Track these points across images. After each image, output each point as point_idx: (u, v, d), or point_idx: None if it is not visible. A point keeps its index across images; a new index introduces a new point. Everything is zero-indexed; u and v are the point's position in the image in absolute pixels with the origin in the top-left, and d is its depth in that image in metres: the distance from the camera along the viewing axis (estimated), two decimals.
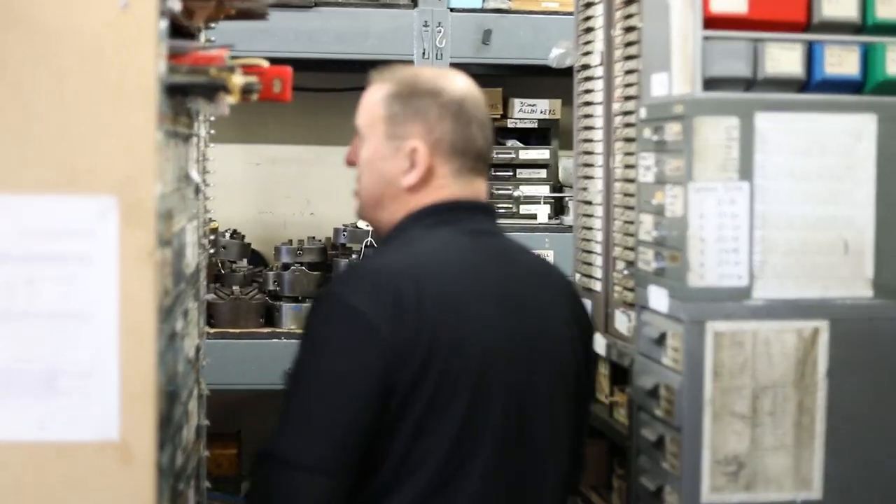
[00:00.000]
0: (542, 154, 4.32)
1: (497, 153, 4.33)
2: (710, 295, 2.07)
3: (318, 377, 1.94)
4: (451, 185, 2.11)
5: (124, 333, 1.49)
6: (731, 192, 2.06)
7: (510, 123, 4.37)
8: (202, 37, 2.47)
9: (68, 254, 1.48)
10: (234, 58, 2.05)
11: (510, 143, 4.42)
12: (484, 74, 4.52)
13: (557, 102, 4.36)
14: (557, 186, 4.36)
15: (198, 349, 2.53)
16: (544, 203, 4.25)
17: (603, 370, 2.71)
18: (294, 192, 4.81)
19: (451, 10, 4.06)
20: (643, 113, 2.29)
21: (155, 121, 1.52)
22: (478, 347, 1.96)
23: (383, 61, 4.19)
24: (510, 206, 4.23)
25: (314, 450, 1.89)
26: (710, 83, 2.07)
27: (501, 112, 4.39)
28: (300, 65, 4.41)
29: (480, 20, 4.07)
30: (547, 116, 4.37)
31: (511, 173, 4.31)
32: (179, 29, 2.09)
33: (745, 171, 2.06)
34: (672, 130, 2.12)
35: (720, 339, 2.08)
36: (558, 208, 4.30)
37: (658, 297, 2.20)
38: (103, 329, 1.48)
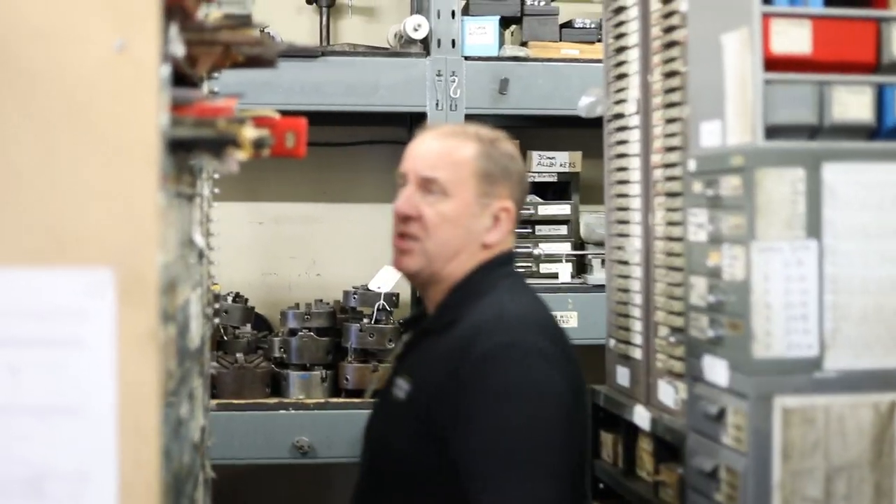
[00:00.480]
0: (562, 209, 4.13)
1: None
2: (777, 367, 1.88)
3: (533, 423, 2.03)
4: (510, 238, 2.29)
5: (123, 429, 1.30)
6: (798, 253, 1.87)
7: (528, 177, 4.17)
8: (204, 87, 2.29)
9: (57, 337, 1.29)
10: (242, 111, 1.88)
11: (529, 198, 4.24)
12: (500, 126, 4.36)
13: (578, 155, 4.19)
14: (579, 243, 4.17)
15: (203, 430, 2.33)
16: (566, 261, 4.06)
17: (645, 445, 2.50)
18: (299, 253, 4.62)
19: (466, 58, 3.90)
20: (692, 165, 2.11)
21: (157, 180, 1.34)
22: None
23: (394, 114, 4.08)
24: (530, 264, 4.04)
25: (550, 494, 2.00)
26: (771, 131, 1.90)
27: None
28: (307, 118, 4.28)
29: (497, 69, 3.90)
30: (567, 169, 4.19)
31: (530, 230, 4.13)
32: (181, 78, 1.92)
33: (813, 228, 1.88)
34: (729, 184, 1.94)
35: (789, 416, 1.89)
36: (580, 266, 4.11)
37: (715, 369, 2.01)
38: (99, 424, 1.29)
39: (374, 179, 4.59)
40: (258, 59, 2.10)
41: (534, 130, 4.35)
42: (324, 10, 4.41)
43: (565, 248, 4.10)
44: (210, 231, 2.52)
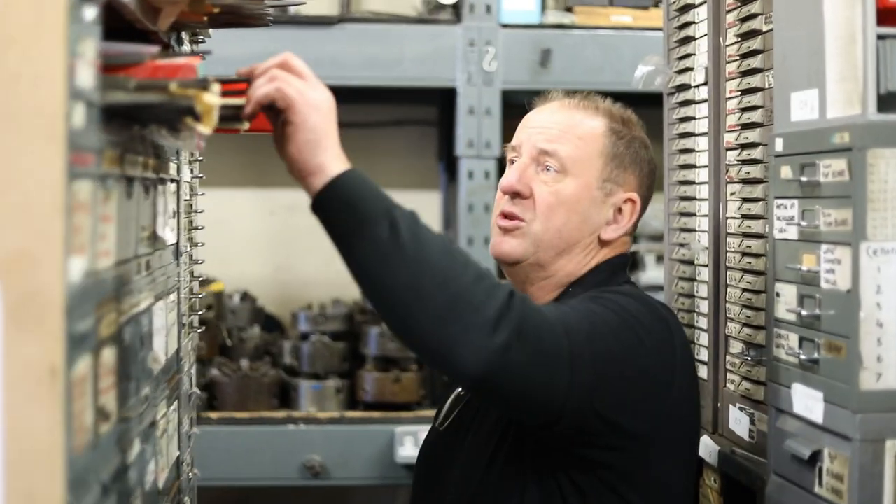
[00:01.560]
0: None
1: None
2: (891, 402, 1.55)
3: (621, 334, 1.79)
4: (629, 240, 2.05)
5: (10, 501, 0.98)
6: None
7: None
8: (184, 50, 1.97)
9: None
10: (228, 81, 1.57)
11: None
12: None
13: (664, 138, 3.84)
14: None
15: (180, 463, 2.01)
16: None
17: (711, 482, 2.17)
18: (316, 246, 4.29)
19: (503, 26, 3.57)
20: (779, 145, 1.77)
21: (63, 161, 1.01)
22: None
23: (420, 90, 3.76)
24: None
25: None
26: (887, 101, 1.55)
27: None
28: None
29: (538, 38, 3.58)
30: None
31: None
32: (146, 37, 1.60)
33: None
34: (830, 168, 1.59)
35: None
36: (632, 263, 3.76)
37: (807, 401, 1.67)
38: None
39: (400, 164, 4.28)
40: (240, 13, 1.78)
41: None
42: None
43: None
44: (194, 224, 2.20)
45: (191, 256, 2.20)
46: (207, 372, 3.64)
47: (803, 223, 1.67)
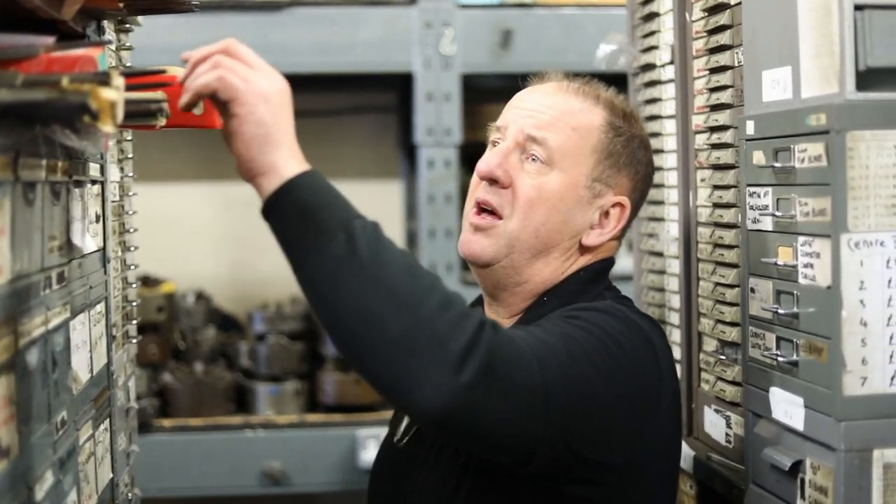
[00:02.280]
0: None
1: None
2: (877, 408, 1.44)
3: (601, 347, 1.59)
4: (615, 245, 1.83)
5: None
6: None
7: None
8: (107, 41, 1.83)
9: None
10: (137, 73, 1.43)
11: None
12: (503, 88, 3.90)
13: None
14: None
15: (114, 485, 1.88)
16: None
17: (687, 488, 2.06)
18: (274, 243, 4.15)
19: (461, 6, 3.44)
20: (750, 128, 1.65)
21: None
22: None
23: (374, 75, 3.62)
24: None
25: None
26: (867, 78, 1.43)
27: None
28: None
29: (497, 18, 3.45)
30: None
31: None
32: (55, 28, 1.46)
33: None
34: (806, 153, 1.48)
35: (893, 476, 1.43)
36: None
37: (786, 406, 1.55)
38: None
39: (359, 153, 4.15)
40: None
41: None
42: None
43: None
44: (126, 226, 2.06)
45: (124, 261, 2.06)
46: (160, 377, 3.50)
47: (778, 213, 1.56)
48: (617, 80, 2.47)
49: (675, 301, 2.11)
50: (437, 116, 3.42)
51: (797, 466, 1.53)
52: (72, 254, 1.55)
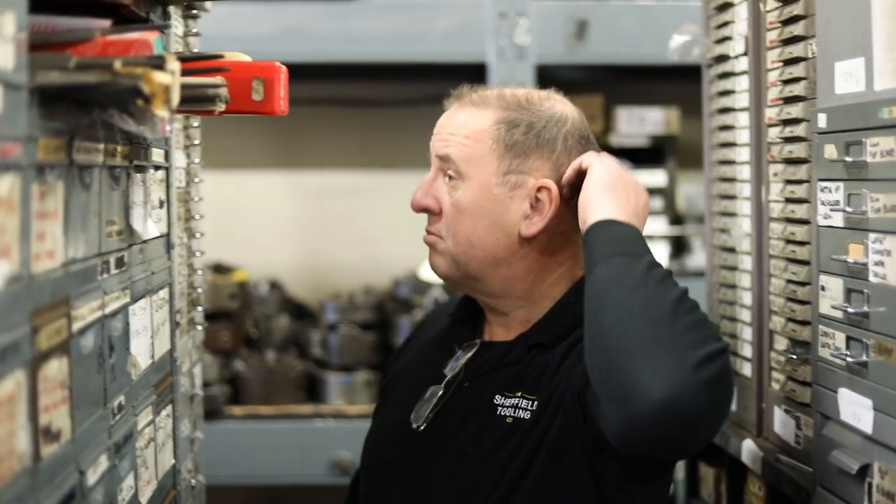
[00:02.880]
0: (655, 178, 3.64)
1: None
2: None
3: None
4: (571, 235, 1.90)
5: None
6: None
7: (614, 140, 3.69)
8: (173, 28, 1.84)
9: None
10: (194, 58, 1.43)
11: None
12: (578, 80, 3.86)
13: (674, 112, 3.68)
14: (676, 219, 3.66)
15: (176, 473, 1.89)
16: (660, 240, 3.56)
17: (755, 489, 2.02)
18: (348, 232, 4.17)
19: None
20: (822, 121, 1.60)
21: None
22: None
23: (449, 66, 3.60)
24: None
25: None
26: None
27: (603, 125, 3.71)
28: (347, 72, 3.84)
29: (572, 9, 3.41)
30: (661, 130, 3.69)
31: None
32: (117, 11, 1.47)
33: None
34: (878, 147, 1.43)
35: None
36: (679, 246, 3.60)
37: (855, 408, 1.51)
38: None
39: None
40: None
41: (620, 83, 3.88)
42: None
43: (660, 224, 3.61)
44: (192, 213, 2.06)
45: (190, 248, 2.07)
46: (231, 365, 3.53)
47: (849, 209, 1.51)
48: (691, 72, 2.44)
49: (747, 298, 2.06)
50: None
51: (865, 470, 1.48)
52: (132, 239, 1.56)
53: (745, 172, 2.07)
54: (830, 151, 1.57)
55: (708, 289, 2.28)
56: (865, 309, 1.47)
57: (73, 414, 1.24)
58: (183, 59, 1.32)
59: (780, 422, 1.91)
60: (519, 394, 1.83)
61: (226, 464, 3.34)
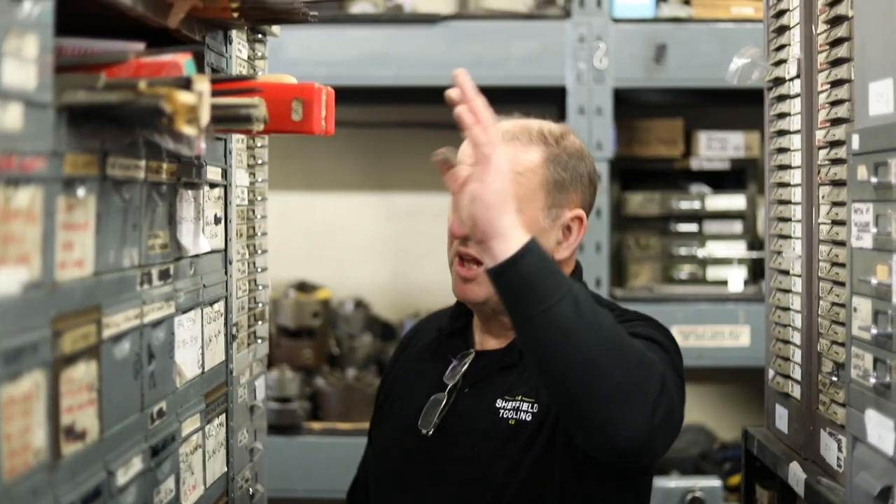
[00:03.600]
0: (735, 202, 3.62)
1: (678, 202, 3.65)
2: None
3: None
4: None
5: None
6: None
7: (694, 164, 3.68)
8: (237, 51, 1.91)
9: None
10: (226, 79, 1.50)
11: (695, 188, 3.73)
12: (657, 103, 3.87)
13: (754, 136, 3.66)
14: (756, 243, 3.63)
15: (229, 480, 1.95)
16: (738, 265, 3.54)
17: None
18: (433, 252, 4.21)
19: (615, 20, 3.42)
20: (856, 142, 1.61)
21: None
22: None
23: (528, 89, 3.64)
24: (695, 269, 3.54)
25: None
26: None
27: (683, 149, 3.70)
28: (430, 96, 3.89)
29: (652, 32, 3.42)
30: (742, 154, 3.67)
31: (696, 228, 3.62)
32: (167, 35, 1.55)
33: None
34: None
35: None
36: (758, 271, 3.57)
37: (880, 430, 1.50)
38: None
39: None
40: (273, 10, 1.71)
41: (699, 107, 3.85)
42: None
43: (739, 248, 3.60)
44: (256, 230, 2.13)
45: (252, 264, 2.13)
46: (313, 381, 3.60)
47: (875, 230, 1.51)
48: (752, 95, 2.44)
49: (798, 320, 2.06)
50: (588, 130, 3.41)
51: (886, 493, 1.48)
52: (179, 252, 1.63)
53: (797, 195, 2.06)
54: (862, 173, 1.57)
55: (766, 312, 2.28)
56: (889, 330, 1.47)
57: (103, 415, 1.31)
58: (216, 80, 1.39)
59: (825, 444, 1.90)
60: (519, 397, 1.97)
61: (304, 477, 3.41)
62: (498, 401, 2.00)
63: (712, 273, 3.59)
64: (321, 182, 4.28)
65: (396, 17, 3.48)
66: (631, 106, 3.65)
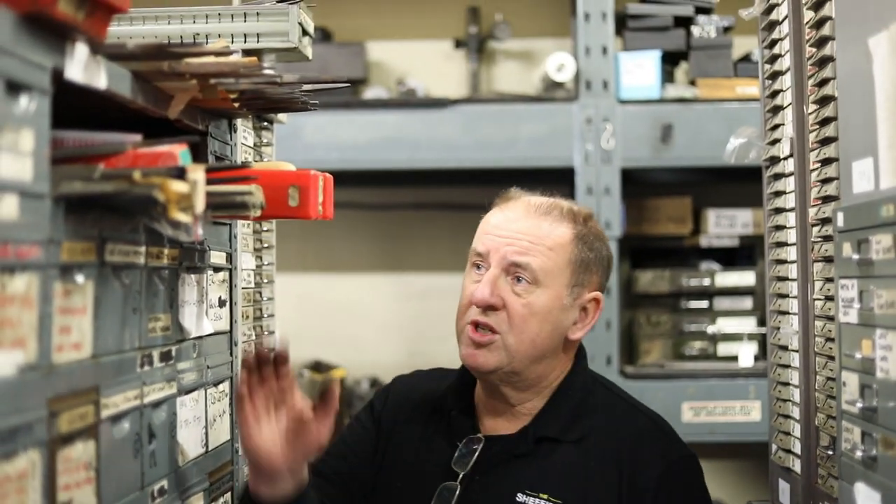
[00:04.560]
0: (745, 278, 3.64)
1: (688, 279, 3.67)
2: None
3: None
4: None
5: None
6: None
7: (704, 241, 3.71)
8: (242, 138, 1.97)
9: None
10: (221, 168, 1.54)
11: (704, 265, 3.75)
12: (665, 182, 3.91)
13: (762, 213, 3.66)
14: (766, 319, 3.64)
15: None
16: (749, 340, 3.55)
17: None
18: (449, 333, 4.24)
19: (621, 102, 3.47)
20: (840, 219, 1.64)
21: None
22: None
23: (537, 170, 3.69)
24: (705, 345, 3.55)
25: None
26: None
27: (692, 227, 3.74)
28: (442, 177, 3.97)
29: (658, 113, 3.47)
30: (750, 231, 3.70)
31: (706, 304, 3.64)
32: (171, 124, 1.60)
33: None
34: (881, 245, 1.46)
35: None
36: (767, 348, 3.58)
37: (868, 502, 1.51)
38: None
39: None
40: (272, 99, 1.76)
41: (707, 185, 3.88)
42: (472, 55, 4.08)
43: (749, 324, 3.60)
44: (263, 311, 2.17)
45: (259, 345, 2.17)
46: None
47: (859, 305, 1.53)
48: (759, 172, 2.47)
49: (796, 395, 2.07)
50: (597, 209, 3.45)
51: None
52: (181, 335, 1.67)
53: (794, 271, 2.09)
54: (847, 250, 1.60)
55: (768, 386, 2.29)
56: (874, 404, 1.48)
57: (101, 493, 1.34)
58: (212, 169, 1.43)
59: None
60: (545, 496, 1.93)
61: None
62: (519, 495, 1.96)
63: (723, 349, 3.60)
64: (338, 263, 4.34)
65: (409, 102, 3.55)
66: (639, 185, 3.69)
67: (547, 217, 2.02)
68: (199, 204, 1.31)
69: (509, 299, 1.98)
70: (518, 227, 2.02)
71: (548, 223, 2.01)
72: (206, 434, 1.80)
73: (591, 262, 2.04)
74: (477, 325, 2.00)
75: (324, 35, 3.92)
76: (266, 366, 1.83)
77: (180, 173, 1.28)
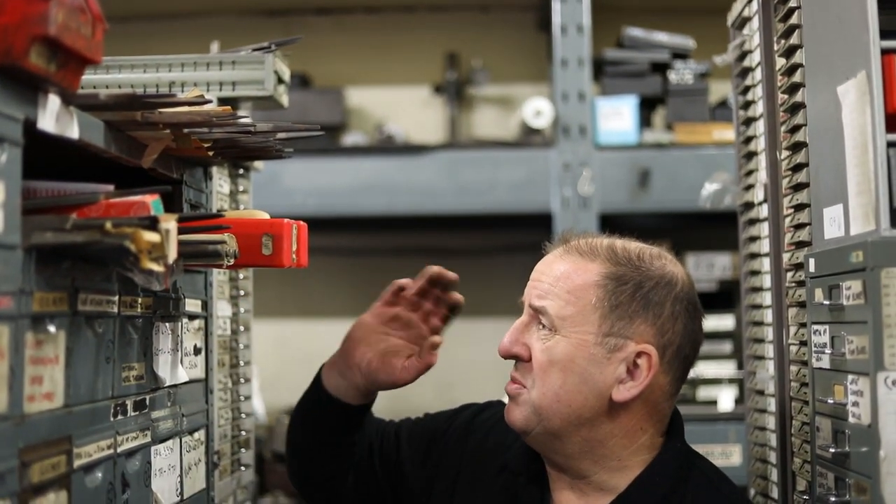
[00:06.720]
0: (724, 322, 3.65)
1: None
2: None
3: None
4: (670, 408, 1.84)
5: None
6: None
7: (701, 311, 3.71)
8: (219, 186, 1.98)
9: None
10: (193, 217, 1.55)
11: None
12: (644, 227, 3.92)
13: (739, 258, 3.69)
14: None
15: None
16: (728, 384, 3.56)
17: None
18: (428, 376, 4.24)
19: (599, 147, 3.50)
20: (812, 265, 1.65)
21: None
22: None
23: (514, 216, 3.72)
24: (685, 389, 3.55)
25: None
26: None
27: None
28: (419, 222, 3.98)
29: (635, 159, 3.50)
30: (729, 275, 3.71)
31: None
32: (145, 173, 1.61)
33: None
34: (851, 290, 1.47)
35: None
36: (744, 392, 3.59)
37: None
38: None
39: (511, 290, 4.21)
40: (246, 148, 1.77)
41: (686, 229, 3.89)
42: (451, 100, 4.11)
43: (729, 368, 3.61)
44: (240, 359, 2.17)
45: (235, 392, 2.17)
46: None
47: (830, 351, 1.55)
48: (730, 217, 2.49)
49: (773, 440, 2.08)
50: None
51: None
52: (156, 383, 1.67)
53: (769, 316, 2.10)
54: (819, 295, 1.62)
55: (746, 431, 2.30)
56: (847, 449, 1.50)
57: None
58: (185, 218, 1.44)
59: None
60: None
61: None
62: None
63: (703, 393, 3.61)
64: (317, 308, 4.34)
65: (387, 148, 3.57)
66: (618, 230, 3.68)
67: (577, 255, 1.81)
68: (172, 253, 1.32)
69: (534, 347, 1.78)
70: (544, 269, 1.83)
71: (574, 263, 1.80)
72: (181, 483, 1.80)
73: (632, 308, 1.75)
74: (513, 379, 1.84)
75: (303, 81, 3.94)
76: (436, 289, 2.00)
77: (152, 223, 1.29)
